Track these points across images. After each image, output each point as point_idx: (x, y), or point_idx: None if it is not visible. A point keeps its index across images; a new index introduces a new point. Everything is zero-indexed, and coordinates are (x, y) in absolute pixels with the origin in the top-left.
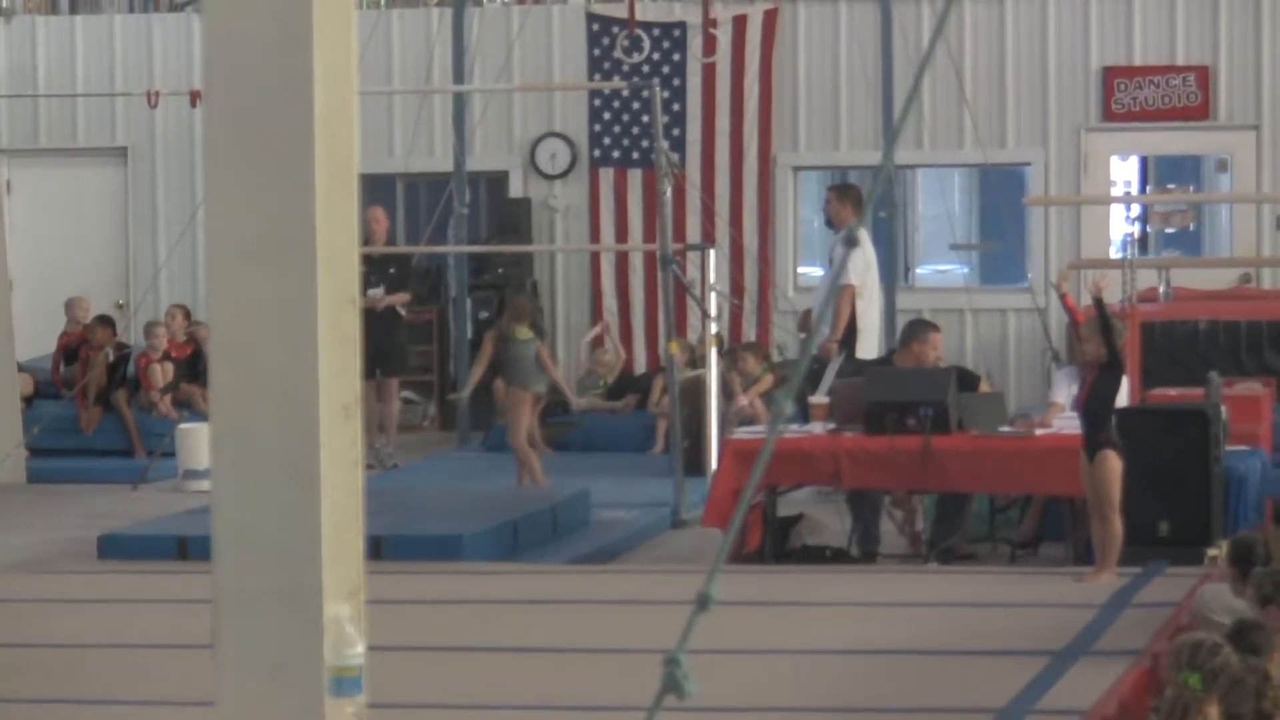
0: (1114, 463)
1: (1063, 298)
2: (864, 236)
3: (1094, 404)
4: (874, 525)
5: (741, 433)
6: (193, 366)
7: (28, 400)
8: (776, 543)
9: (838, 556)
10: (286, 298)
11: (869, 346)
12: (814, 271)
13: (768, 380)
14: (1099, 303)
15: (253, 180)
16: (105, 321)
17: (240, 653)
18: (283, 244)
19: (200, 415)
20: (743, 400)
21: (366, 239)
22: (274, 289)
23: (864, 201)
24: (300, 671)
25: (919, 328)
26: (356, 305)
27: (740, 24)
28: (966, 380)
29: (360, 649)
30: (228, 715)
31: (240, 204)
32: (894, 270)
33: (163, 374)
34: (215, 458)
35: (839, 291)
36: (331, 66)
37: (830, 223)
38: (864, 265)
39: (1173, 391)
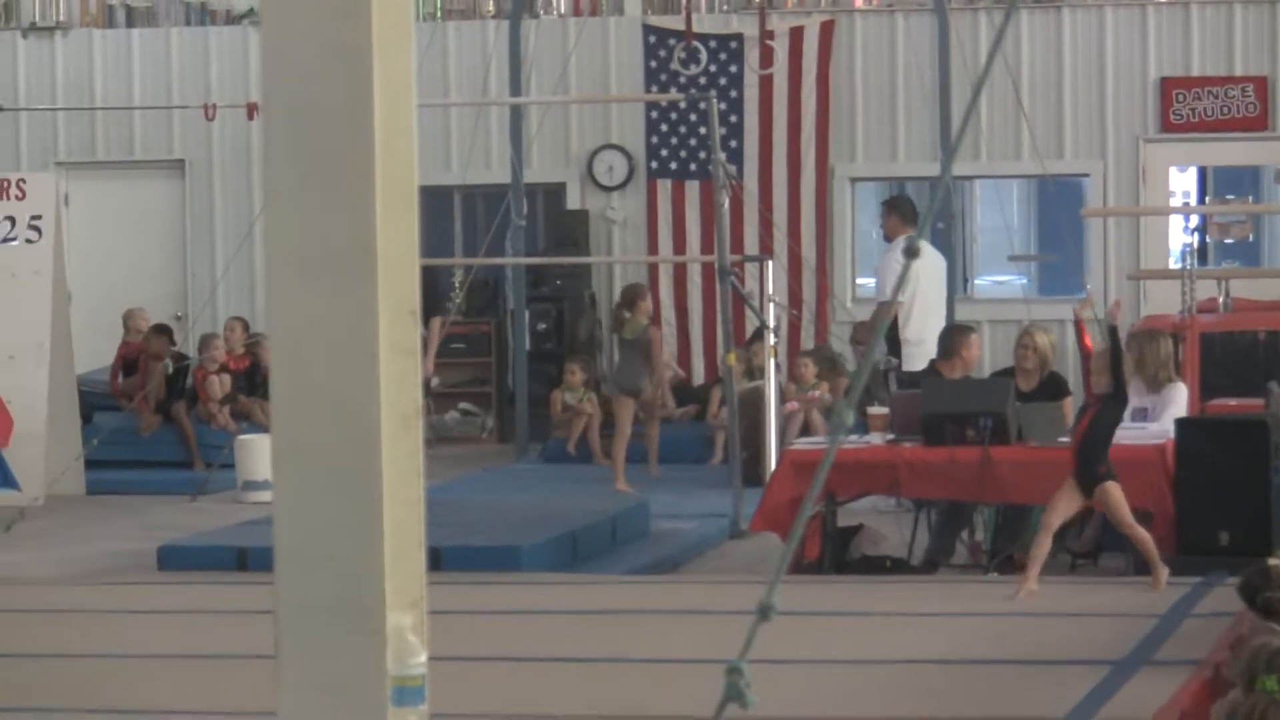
0: (1116, 492)
1: (1078, 328)
2: (898, 243)
3: (1095, 435)
4: (953, 539)
5: (800, 443)
6: (250, 379)
7: (85, 416)
8: (836, 553)
9: (897, 567)
10: (346, 311)
11: (917, 357)
12: (871, 283)
13: (823, 388)
14: (1113, 331)
15: (311, 194)
16: (163, 331)
17: (301, 664)
18: (342, 257)
19: (258, 427)
20: (792, 405)
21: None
22: (333, 302)
23: (917, 213)
24: (362, 682)
25: (959, 333)
26: (416, 318)
27: (797, 36)
28: (1059, 387)
29: (422, 659)
30: None
31: (299, 218)
32: (952, 281)
33: (220, 386)
34: (276, 470)
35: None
36: (391, 79)
37: (887, 237)
38: (911, 277)
39: (1232, 402)
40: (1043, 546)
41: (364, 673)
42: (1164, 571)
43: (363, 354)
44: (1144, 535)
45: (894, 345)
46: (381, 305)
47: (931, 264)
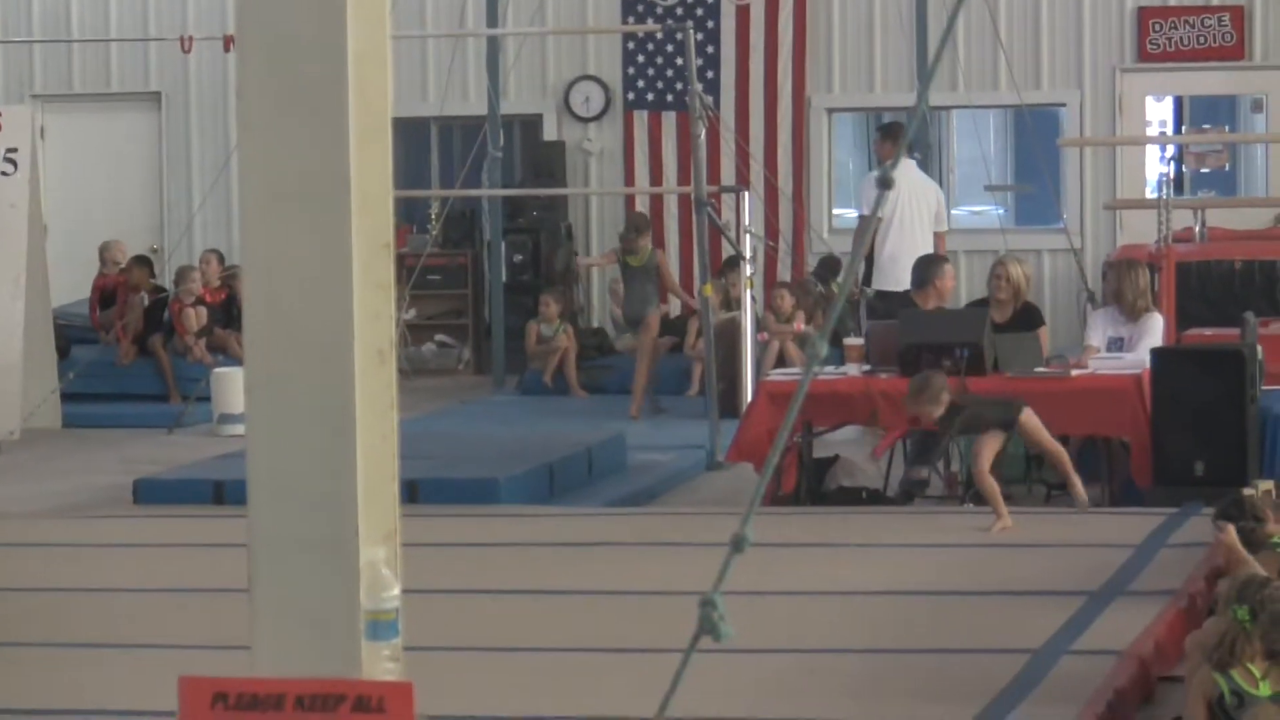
0: (1033, 419)
1: None
2: (909, 171)
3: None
4: (928, 469)
5: (776, 374)
6: (227, 312)
7: (62, 349)
8: (812, 485)
9: (874, 498)
10: (320, 243)
11: (889, 276)
12: (849, 214)
13: (800, 320)
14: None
15: (286, 126)
16: (143, 262)
17: (276, 598)
18: (316, 189)
19: (234, 360)
20: (763, 336)
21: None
22: (308, 235)
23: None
24: (336, 616)
25: (933, 264)
26: (390, 251)
27: None
28: (1033, 318)
29: (396, 593)
30: (263, 660)
31: (273, 150)
32: None
33: (196, 319)
34: (249, 403)
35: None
36: (365, 10)
37: (882, 162)
38: (890, 198)
39: (1208, 332)
40: (990, 486)
41: (338, 606)
42: (1080, 486)
43: (337, 287)
44: (1060, 450)
45: (869, 265)
46: (355, 238)
47: (915, 185)
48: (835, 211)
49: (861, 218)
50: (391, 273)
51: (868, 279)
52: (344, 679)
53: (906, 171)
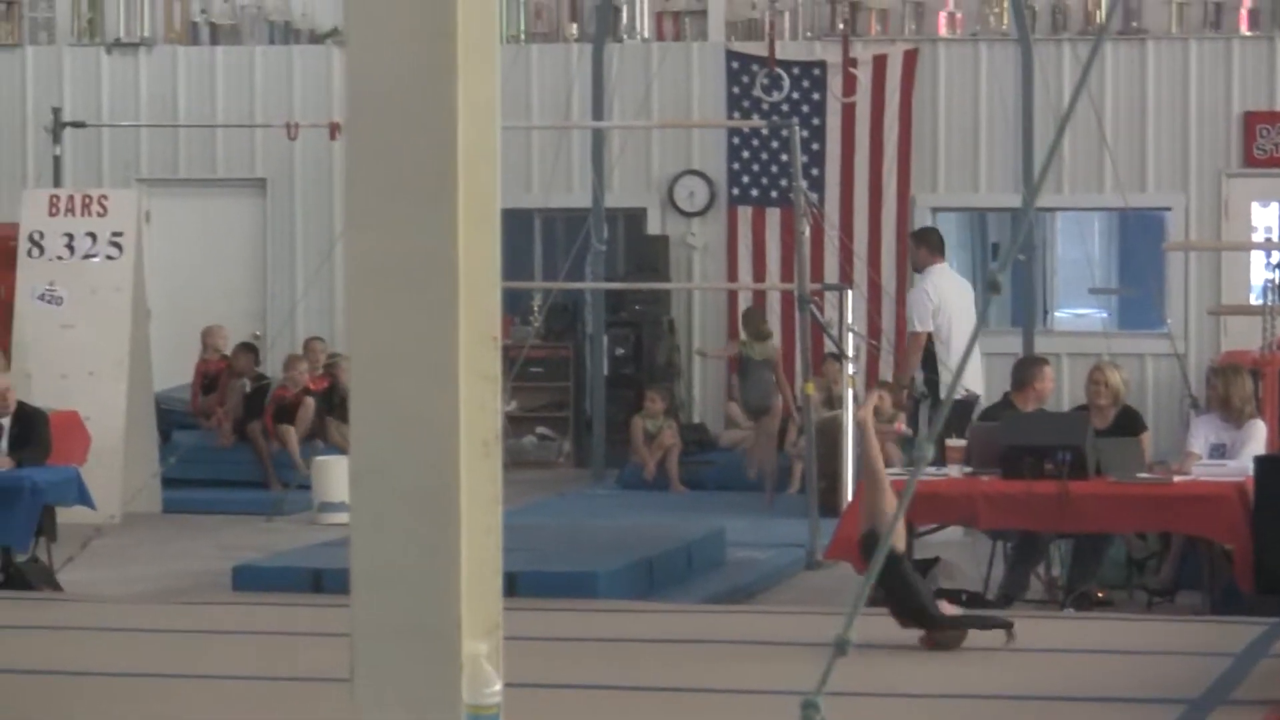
0: None
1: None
2: (931, 277)
3: None
4: (1028, 573)
5: None
6: (328, 400)
7: (163, 434)
8: None
9: (974, 601)
10: (427, 333)
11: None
12: None
13: (901, 421)
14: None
15: (393, 214)
16: (249, 349)
17: (378, 688)
18: (424, 279)
19: (335, 448)
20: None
21: None
22: (414, 324)
23: (943, 243)
24: (438, 708)
25: (1032, 365)
26: (497, 343)
27: (880, 64)
28: (1134, 422)
29: (498, 687)
30: None
31: (381, 238)
32: (1031, 313)
33: (305, 411)
34: (354, 492)
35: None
36: (475, 100)
37: (916, 268)
38: (943, 306)
39: None
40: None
41: (440, 699)
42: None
43: (443, 377)
44: None
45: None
46: (462, 328)
47: (958, 289)
48: None
49: (911, 332)
50: (498, 364)
51: (933, 384)
52: None
53: (951, 275)
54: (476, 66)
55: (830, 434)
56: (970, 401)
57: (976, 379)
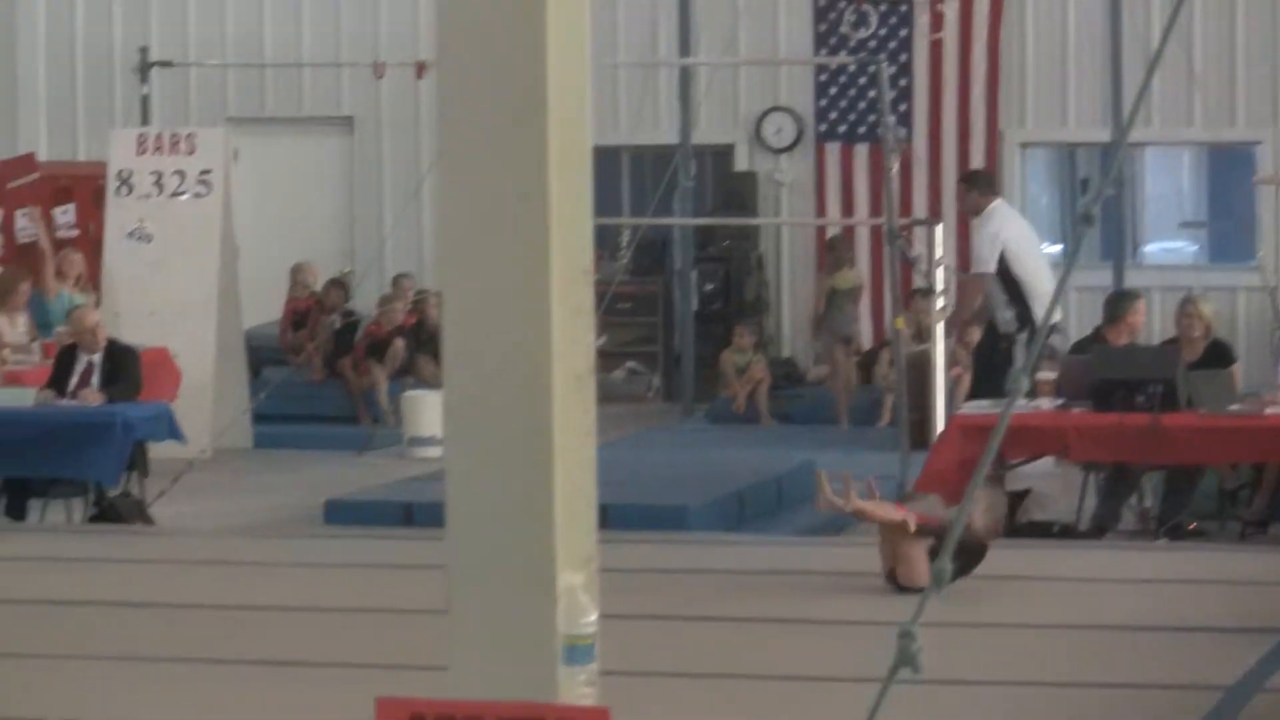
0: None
1: None
2: (995, 217)
3: None
4: (1120, 505)
5: (967, 407)
6: (416, 336)
7: (253, 370)
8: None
9: (1065, 532)
10: (520, 267)
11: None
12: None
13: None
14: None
15: (484, 151)
16: (340, 285)
17: (474, 620)
18: (515, 213)
19: (424, 384)
20: (956, 370)
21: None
22: (507, 259)
23: (994, 182)
24: (533, 640)
25: (1126, 299)
26: (589, 276)
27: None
28: (1224, 355)
29: (593, 618)
30: (460, 682)
31: (473, 174)
32: (1121, 248)
33: (395, 351)
34: (448, 427)
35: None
36: (564, 37)
37: (972, 211)
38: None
39: None
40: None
41: (535, 631)
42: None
43: (535, 312)
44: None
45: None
46: (554, 262)
47: (1021, 223)
48: None
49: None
50: (590, 298)
51: (1024, 318)
52: (540, 703)
53: (1012, 211)
54: (566, 2)
55: (920, 367)
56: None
57: (1053, 317)
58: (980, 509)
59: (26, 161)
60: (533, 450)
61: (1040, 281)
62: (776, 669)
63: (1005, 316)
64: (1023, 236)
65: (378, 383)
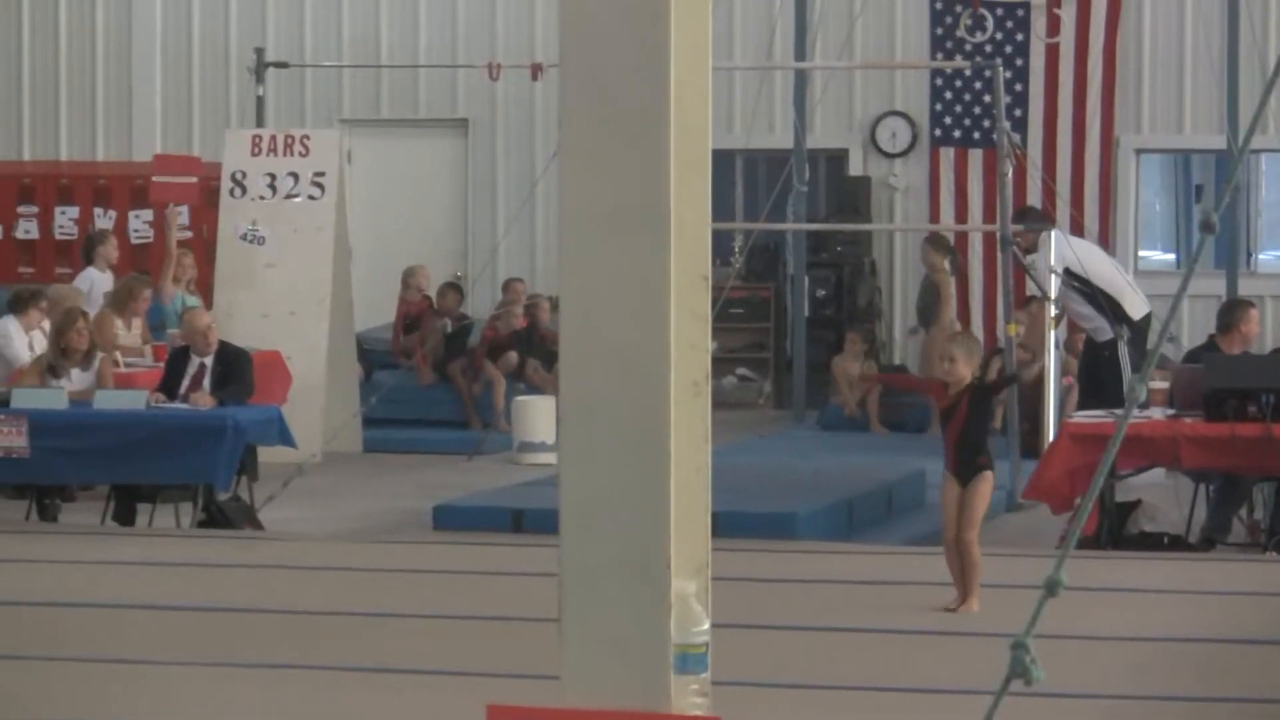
0: (985, 486)
1: None
2: (1054, 247)
3: (971, 426)
4: (1231, 515)
5: (1079, 416)
6: (527, 340)
7: (364, 373)
8: (1114, 528)
9: (1175, 543)
10: (639, 272)
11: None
12: (1155, 255)
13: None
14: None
15: (606, 153)
16: (455, 289)
17: (586, 627)
18: (636, 217)
19: (534, 389)
20: (1068, 379)
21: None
22: (626, 263)
23: (1043, 219)
24: (645, 647)
25: (1239, 308)
26: (708, 282)
27: (1084, 4)
28: None
29: (706, 626)
30: (572, 689)
31: (593, 177)
32: (1235, 255)
33: (509, 356)
34: (564, 431)
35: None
36: (687, 40)
37: (1030, 250)
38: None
39: None
40: (977, 555)
41: (647, 638)
42: (978, 601)
43: (654, 317)
44: (978, 554)
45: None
46: (673, 268)
47: (1077, 241)
48: (1141, 253)
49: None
50: (708, 304)
51: (1119, 316)
52: (652, 712)
53: (1064, 236)
54: (688, 5)
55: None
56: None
57: (1143, 306)
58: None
59: (188, 162)
60: (648, 456)
61: (1116, 276)
62: (886, 680)
63: (1095, 325)
64: (1079, 247)
65: (496, 384)
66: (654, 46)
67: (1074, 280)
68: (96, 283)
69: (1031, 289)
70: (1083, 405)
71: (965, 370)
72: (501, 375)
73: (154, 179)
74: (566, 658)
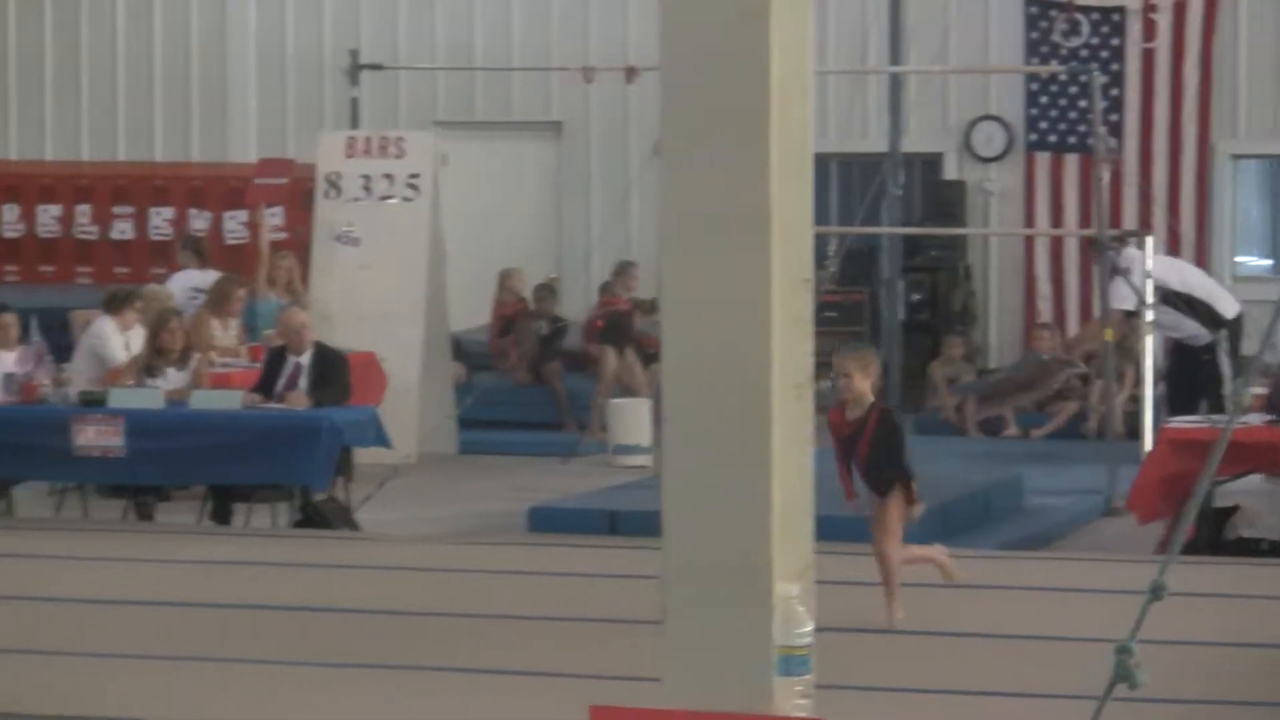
0: (901, 497)
1: None
2: (1135, 263)
3: (877, 451)
4: None
5: (1177, 422)
6: (623, 331)
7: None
8: (1212, 534)
9: (1274, 550)
10: (740, 276)
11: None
12: (1251, 261)
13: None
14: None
15: (707, 157)
16: (551, 291)
17: (689, 630)
18: (737, 221)
19: (625, 391)
20: (1162, 385)
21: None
22: (728, 267)
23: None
24: (749, 650)
25: None
26: (810, 286)
27: (1180, 9)
28: None
29: (809, 628)
30: (674, 692)
31: (695, 181)
32: None
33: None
34: (667, 434)
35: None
36: (787, 45)
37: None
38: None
39: None
40: (892, 571)
41: (751, 641)
42: (898, 608)
43: (756, 321)
44: (891, 561)
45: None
46: (775, 272)
47: (1144, 256)
48: (1237, 259)
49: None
50: (810, 307)
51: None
52: (756, 715)
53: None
54: (788, 9)
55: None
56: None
57: (1234, 305)
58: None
59: (282, 164)
60: (751, 460)
61: (1203, 281)
62: (986, 685)
63: (1189, 334)
64: (1159, 260)
65: (608, 363)
66: (754, 51)
67: (1158, 292)
68: (195, 281)
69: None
70: (1175, 411)
71: (863, 385)
72: (609, 365)
73: (255, 181)
74: (670, 660)
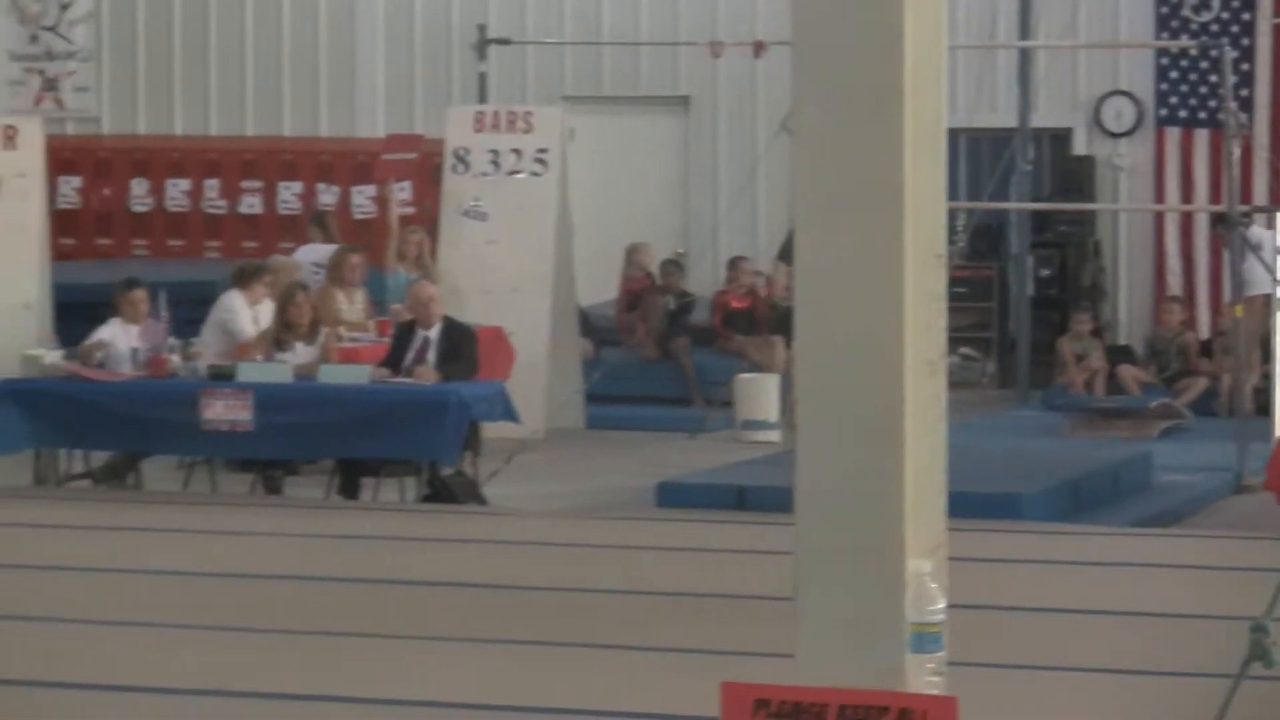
0: None
1: None
2: (1257, 240)
3: None
4: None
5: None
6: (749, 318)
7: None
8: None
9: None
10: (873, 252)
11: None
12: None
13: None
14: None
15: (840, 132)
16: (678, 266)
17: (821, 606)
18: (870, 197)
19: (754, 366)
20: None
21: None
22: (861, 242)
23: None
24: (881, 627)
25: None
26: (943, 261)
27: None
28: None
29: (941, 605)
30: (807, 667)
31: (828, 156)
32: None
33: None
34: (801, 411)
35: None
36: (920, 18)
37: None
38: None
39: None
40: None
41: (883, 617)
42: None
43: (888, 297)
44: None
45: None
46: (908, 247)
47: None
48: None
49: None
50: (943, 283)
51: None
52: (888, 691)
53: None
54: None
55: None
56: None
57: None
58: None
59: (410, 139)
60: (884, 436)
61: None
62: (1114, 662)
63: None
64: None
65: (741, 351)
66: (888, 25)
67: None
68: (317, 256)
69: None
70: None
71: None
72: (741, 348)
73: (383, 156)
74: (802, 636)
